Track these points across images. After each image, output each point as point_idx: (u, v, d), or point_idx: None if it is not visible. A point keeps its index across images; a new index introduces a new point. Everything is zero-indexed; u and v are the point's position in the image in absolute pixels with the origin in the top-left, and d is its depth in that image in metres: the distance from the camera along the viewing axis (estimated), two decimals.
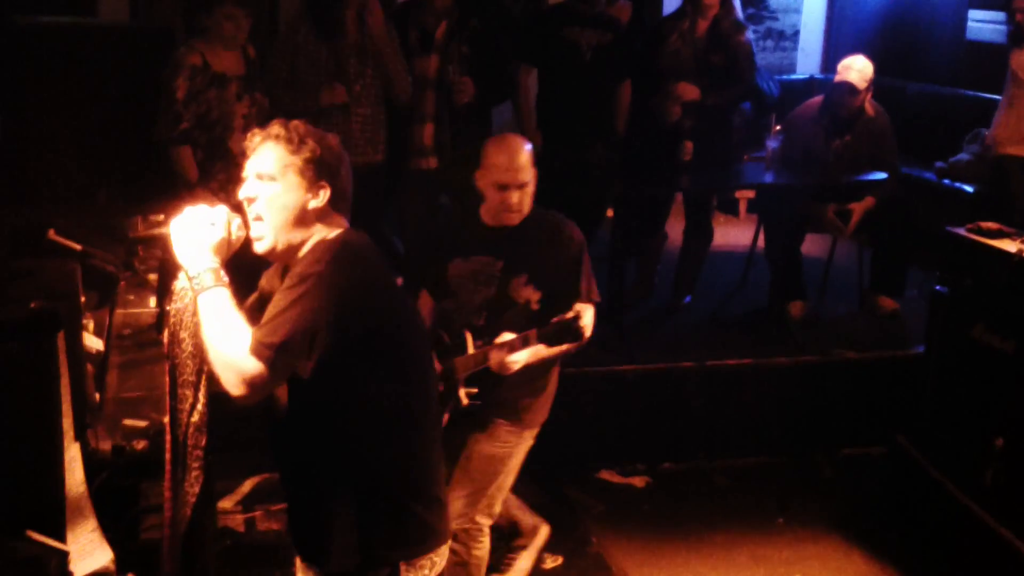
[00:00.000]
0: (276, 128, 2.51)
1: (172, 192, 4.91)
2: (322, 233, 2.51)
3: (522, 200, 3.49)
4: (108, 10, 7.01)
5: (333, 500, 2.51)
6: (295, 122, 2.53)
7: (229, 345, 2.34)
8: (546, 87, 5.74)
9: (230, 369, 2.34)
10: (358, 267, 2.46)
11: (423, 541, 2.59)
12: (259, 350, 2.32)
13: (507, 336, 3.41)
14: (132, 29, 6.91)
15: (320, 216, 2.52)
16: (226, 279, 2.42)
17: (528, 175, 3.50)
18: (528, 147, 3.55)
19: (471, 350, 3.45)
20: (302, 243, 2.51)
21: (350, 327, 2.39)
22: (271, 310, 2.38)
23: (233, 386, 2.35)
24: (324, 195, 2.50)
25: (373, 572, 2.53)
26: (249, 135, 2.54)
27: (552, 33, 5.58)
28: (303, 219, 2.49)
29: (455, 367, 3.43)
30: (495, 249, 3.52)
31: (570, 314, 3.35)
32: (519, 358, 3.42)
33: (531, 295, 3.51)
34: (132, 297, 3.84)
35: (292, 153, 2.48)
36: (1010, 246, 4.54)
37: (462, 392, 3.46)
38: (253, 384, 2.34)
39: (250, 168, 2.52)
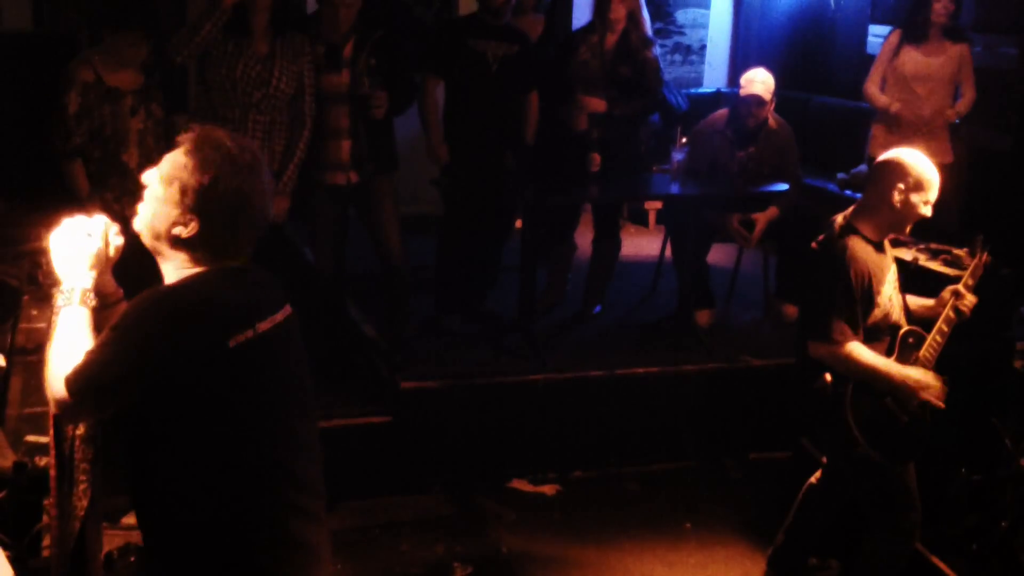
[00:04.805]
0: (188, 141, 2.35)
1: (72, 203, 4.83)
2: (179, 265, 2.38)
3: None
4: (11, 17, 6.89)
5: (157, 552, 2.40)
6: (218, 141, 2.36)
7: (57, 364, 2.29)
8: (454, 98, 5.75)
9: (48, 387, 2.31)
10: (174, 324, 2.27)
11: None
12: (68, 379, 2.26)
13: None
14: (35, 37, 6.80)
15: (182, 247, 2.36)
16: (93, 302, 2.39)
17: None
18: None
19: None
20: (161, 262, 2.41)
21: (158, 382, 2.25)
22: (93, 346, 2.31)
23: (51, 404, 2.32)
24: (193, 228, 2.34)
25: None
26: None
27: (459, 44, 5.60)
28: (160, 237, 2.36)
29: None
30: None
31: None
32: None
33: None
34: (35, 312, 3.77)
35: (184, 168, 2.33)
36: (906, 254, 4.69)
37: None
38: (61, 408, 2.30)
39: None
